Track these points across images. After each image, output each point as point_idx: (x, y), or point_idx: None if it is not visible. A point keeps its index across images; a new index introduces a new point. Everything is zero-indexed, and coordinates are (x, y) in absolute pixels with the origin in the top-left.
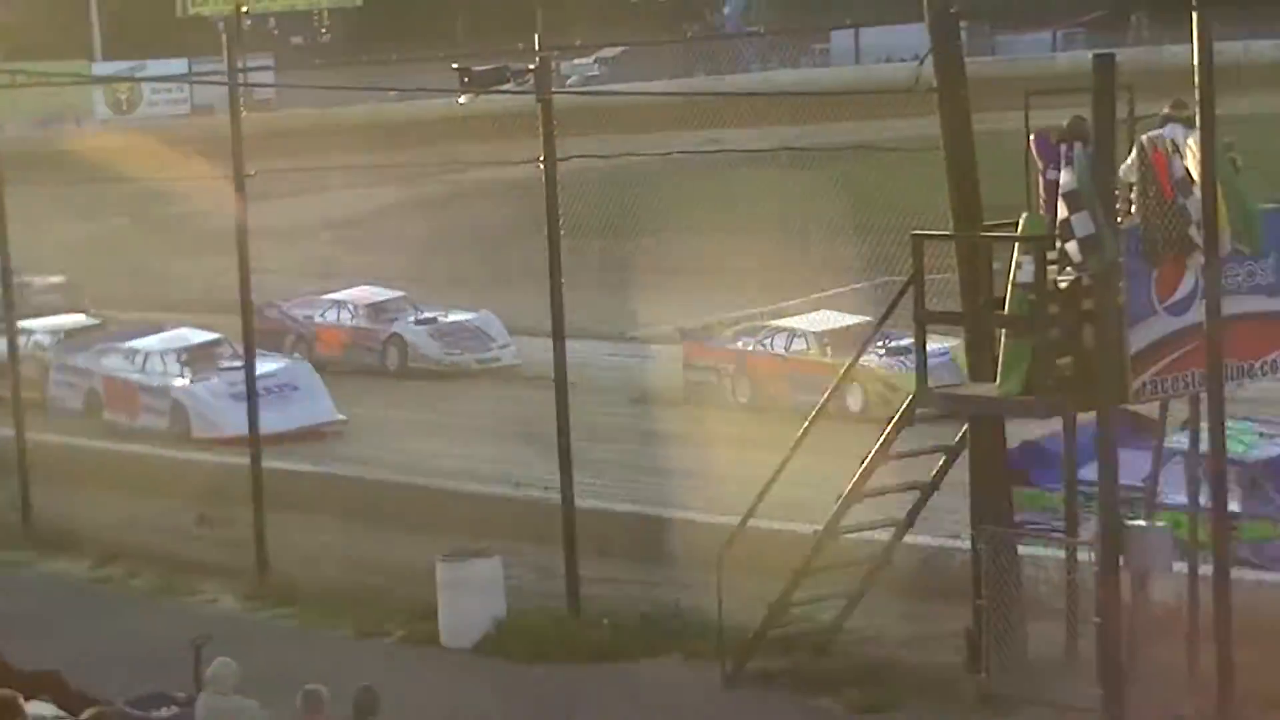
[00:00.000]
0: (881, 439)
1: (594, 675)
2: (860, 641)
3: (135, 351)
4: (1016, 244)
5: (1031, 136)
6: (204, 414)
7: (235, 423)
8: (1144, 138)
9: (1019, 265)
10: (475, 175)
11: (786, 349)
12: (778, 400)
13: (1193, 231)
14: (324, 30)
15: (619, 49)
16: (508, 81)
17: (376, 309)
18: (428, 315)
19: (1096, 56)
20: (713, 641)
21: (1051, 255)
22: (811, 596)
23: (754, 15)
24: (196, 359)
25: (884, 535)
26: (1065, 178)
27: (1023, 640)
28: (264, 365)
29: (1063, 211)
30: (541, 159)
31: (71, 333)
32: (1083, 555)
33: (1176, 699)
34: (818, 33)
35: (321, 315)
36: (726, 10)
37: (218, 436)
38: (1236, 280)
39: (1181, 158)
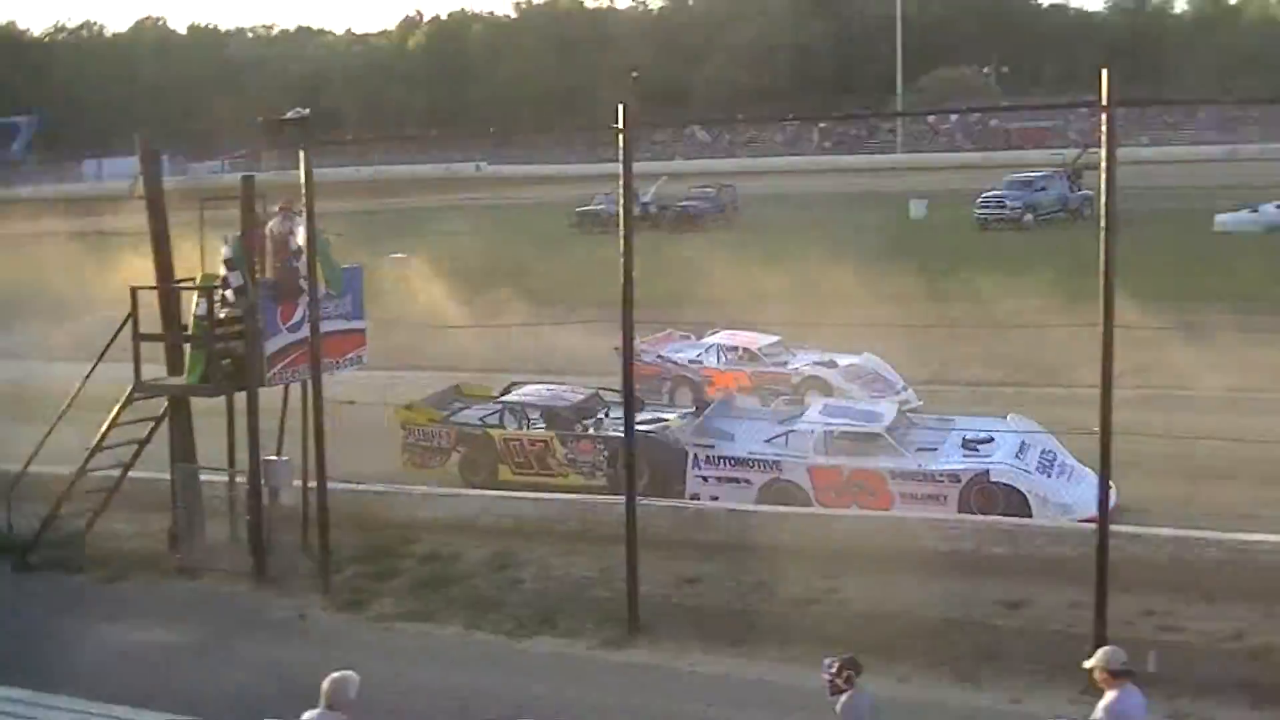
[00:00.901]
0: (113, 414)
1: None
2: (104, 540)
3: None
4: (196, 291)
5: (243, 233)
6: (1049, 499)
7: (1075, 503)
8: (270, 225)
9: (198, 304)
10: None
11: None
12: None
13: (302, 282)
14: None
15: None
16: None
17: (766, 351)
18: (822, 358)
19: (244, 177)
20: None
21: (218, 298)
22: (73, 512)
23: (33, 148)
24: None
25: (116, 472)
26: (225, 250)
27: (204, 532)
28: (1005, 439)
29: (224, 271)
30: None
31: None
32: (240, 479)
33: (298, 564)
34: (76, 160)
35: (706, 358)
36: (15, 146)
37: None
38: (329, 311)
39: (295, 237)
